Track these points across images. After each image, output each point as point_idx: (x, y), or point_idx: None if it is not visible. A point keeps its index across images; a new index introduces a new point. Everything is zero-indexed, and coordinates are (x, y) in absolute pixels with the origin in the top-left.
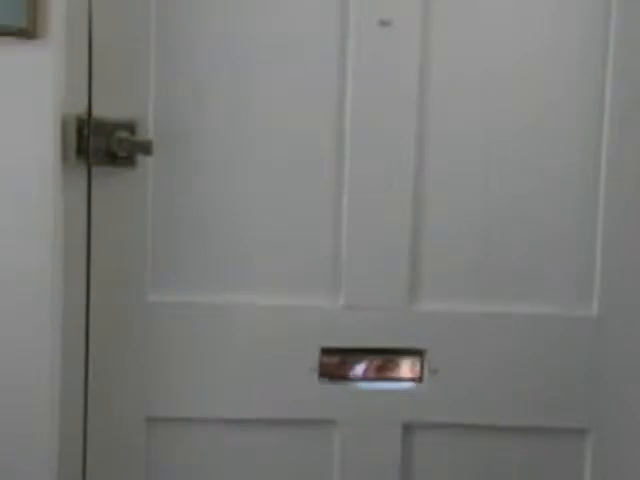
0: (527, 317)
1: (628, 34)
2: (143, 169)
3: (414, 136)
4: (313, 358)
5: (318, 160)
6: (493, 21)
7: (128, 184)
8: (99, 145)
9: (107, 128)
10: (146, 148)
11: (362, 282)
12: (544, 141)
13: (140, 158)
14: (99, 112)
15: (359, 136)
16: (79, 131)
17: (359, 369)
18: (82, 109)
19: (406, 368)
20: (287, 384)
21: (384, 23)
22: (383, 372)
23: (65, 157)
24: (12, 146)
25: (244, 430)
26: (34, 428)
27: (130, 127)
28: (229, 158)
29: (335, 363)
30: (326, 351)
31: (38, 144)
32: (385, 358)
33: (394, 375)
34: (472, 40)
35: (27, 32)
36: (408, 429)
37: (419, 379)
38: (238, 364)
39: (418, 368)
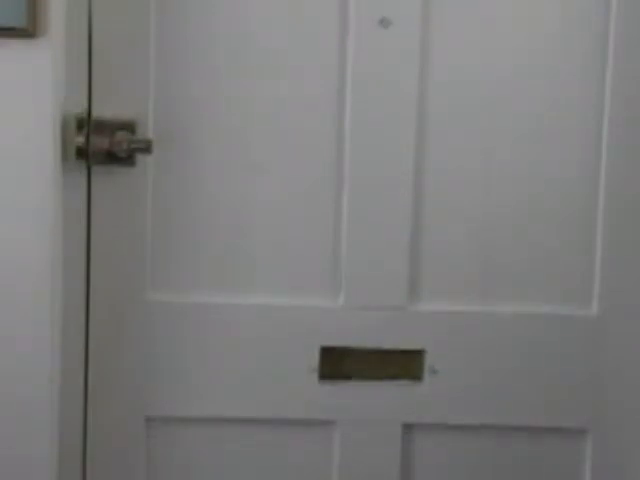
0: (527, 317)
1: (628, 34)
2: (143, 169)
3: (414, 136)
4: (313, 358)
5: (318, 160)
6: (493, 21)
7: (128, 184)
8: (99, 145)
9: (107, 128)
10: (146, 148)
11: (362, 282)
12: (544, 140)
13: (140, 158)
14: (99, 112)
15: (359, 136)
16: (79, 131)
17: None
18: (82, 109)
19: (406, 368)
20: (287, 384)
21: (384, 23)
22: (383, 372)
23: (65, 157)
24: (12, 146)
25: (244, 430)
26: (34, 427)
27: (130, 127)
28: (229, 158)
29: (335, 363)
30: (326, 351)
31: (38, 144)
32: (385, 358)
33: (394, 375)
34: (473, 40)
35: (27, 32)
36: (408, 429)
37: (419, 379)
38: (238, 364)
39: (418, 368)
